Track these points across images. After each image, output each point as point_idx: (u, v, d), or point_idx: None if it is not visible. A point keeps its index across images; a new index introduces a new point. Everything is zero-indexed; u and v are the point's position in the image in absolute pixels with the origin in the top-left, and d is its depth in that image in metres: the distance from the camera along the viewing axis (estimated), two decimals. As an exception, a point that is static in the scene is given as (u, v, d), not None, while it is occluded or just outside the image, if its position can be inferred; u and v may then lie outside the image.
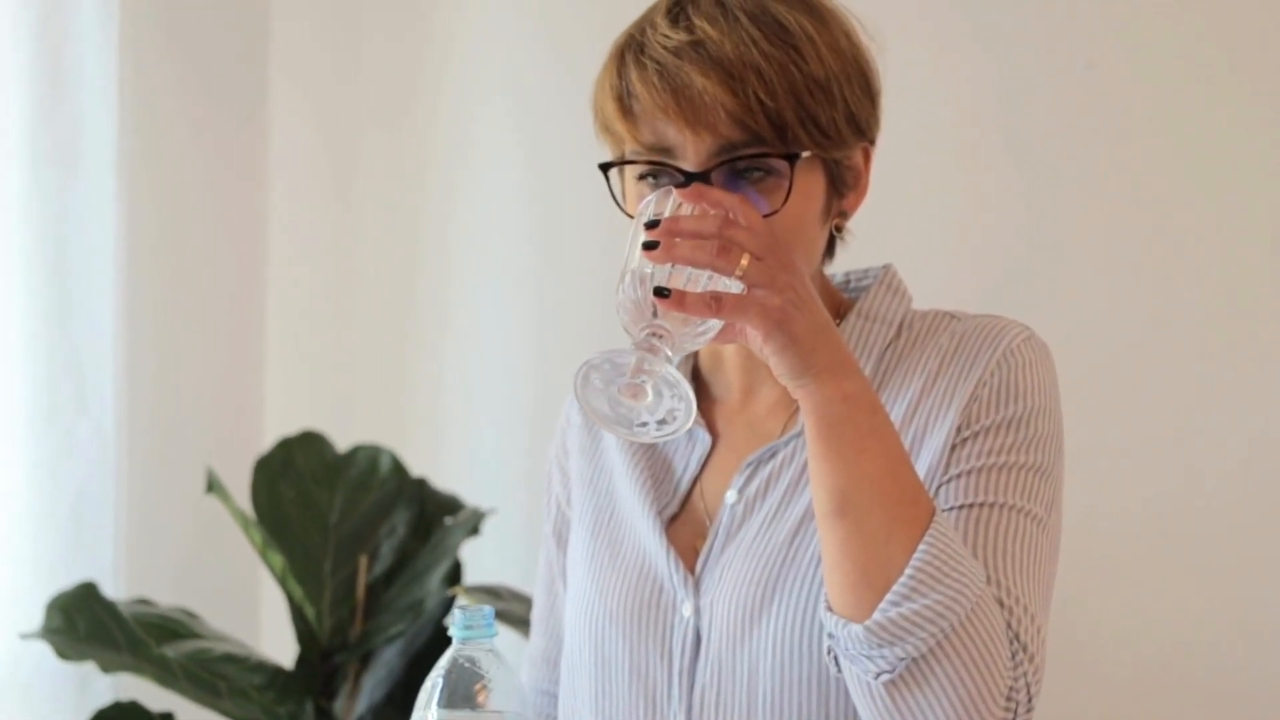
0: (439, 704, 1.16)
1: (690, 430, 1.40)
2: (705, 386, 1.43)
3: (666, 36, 1.25)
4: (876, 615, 1.14)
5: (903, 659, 1.14)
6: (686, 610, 1.33)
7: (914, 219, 2.09)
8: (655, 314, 1.12)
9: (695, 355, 1.44)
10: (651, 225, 1.13)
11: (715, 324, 1.15)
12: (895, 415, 1.29)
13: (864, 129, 1.30)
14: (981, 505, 1.23)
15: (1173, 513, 1.97)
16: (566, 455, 1.53)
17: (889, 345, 1.35)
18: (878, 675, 1.15)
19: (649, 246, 1.11)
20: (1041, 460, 1.26)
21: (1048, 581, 1.24)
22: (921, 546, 1.14)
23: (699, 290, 1.11)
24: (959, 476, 1.25)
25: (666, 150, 1.25)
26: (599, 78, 1.31)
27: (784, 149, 1.23)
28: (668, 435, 1.14)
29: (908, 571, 1.14)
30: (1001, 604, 1.19)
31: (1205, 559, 1.95)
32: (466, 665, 1.19)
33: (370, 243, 2.75)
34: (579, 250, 2.41)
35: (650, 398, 1.12)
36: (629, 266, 1.14)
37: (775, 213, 1.23)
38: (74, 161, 2.32)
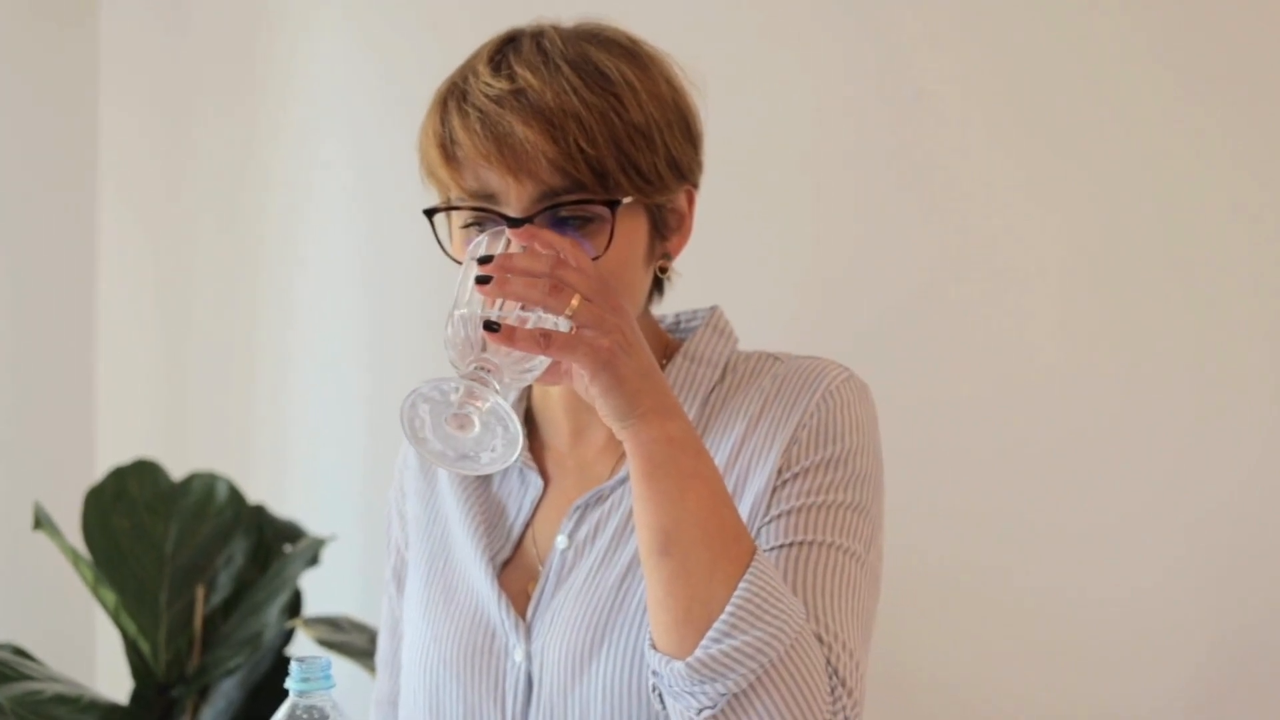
0: (277, 757, 1.14)
1: (522, 474, 1.42)
2: (536, 430, 1.44)
3: (488, 85, 1.26)
4: (698, 652, 1.16)
5: (723, 694, 1.16)
6: (518, 656, 1.33)
7: (747, 256, 2.11)
8: (484, 349, 1.13)
9: (528, 399, 1.45)
10: (485, 261, 1.14)
11: (542, 362, 1.16)
12: (720, 458, 1.32)
13: (685, 173, 1.32)
14: (801, 544, 1.26)
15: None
16: (404, 498, 1.53)
17: (714, 387, 1.37)
18: (699, 711, 1.17)
19: (482, 281, 1.12)
20: (859, 498, 1.29)
21: (866, 617, 1.27)
22: (742, 584, 1.16)
23: (528, 328, 1.12)
24: (779, 516, 1.27)
25: (490, 196, 1.26)
26: (423, 124, 1.32)
27: (605, 195, 1.25)
28: (494, 467, 1.15)
29: (728, 609, 1.16)
30: (821, 640, 1.21)
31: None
32: (304, 717, 1.17)
33: (206, 263, 2.71)
34: (414, 280, 2.40)
35: (478, 429, 1.12)
36: (458, 306, 1.15)
37: (598, 258, 1.25)
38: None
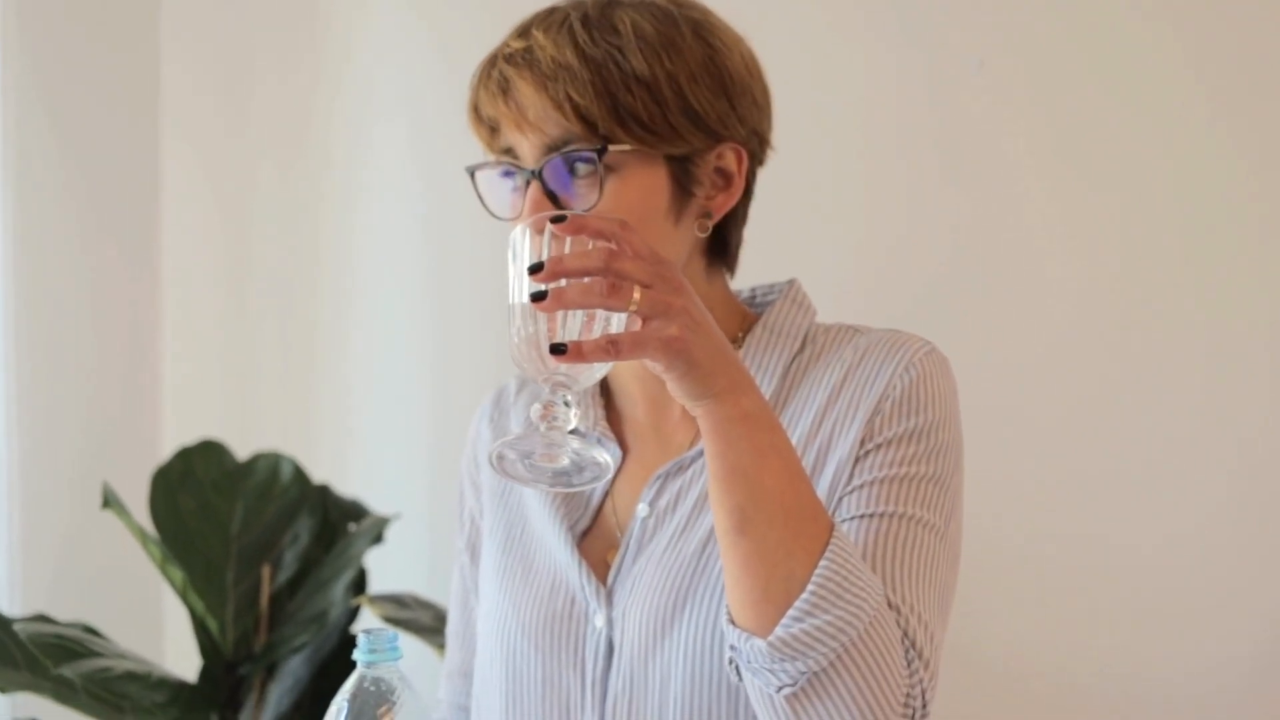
0: (345, 729, 1.15)
1: (601, 444, 1.41)
2: (613, 400, 1.45)
3: (508, 46, 1.32)
4: (779, 631, 1.15)
5: (804, 673, 1.15)
6: (599, 621, 1.34)
7: (823, 231, 2.11)
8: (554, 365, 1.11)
9: None
10: (535, 269, 1.10)
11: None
12: (800, 428, 1.32)
13: (715, 128, 1.32)
14: (881, 515, 1.25)
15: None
16: (478, 469, 1.54)
17: (794, 359, 1.37)
18: (780, 689, 1.17)
19: (537, 298, 1.09)
20: (941, 471, 1.28)
21: (944, 589, 1.26)
22: (822, 563, 1.15)
23: (593, 335, 1.11)
24: (861, 487, 1.27)
25: (510, 151, 1.32)
26: None
27: (596, 143, 1.27)
28: (590, 485, 1.15)
29: (809, 588, 1.15)
30: (898, 612, 1.21)
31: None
32: (371, 689, 1.17)
33: (269, 246, 2.73)
34: (474, 258, 2.40)
35: (567, 461, 1.14)
36: (513, 320, 1.12)
37: (593, 207, 1.27)
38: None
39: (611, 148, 1.27)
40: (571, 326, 1.11)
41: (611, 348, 1.08)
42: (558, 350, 1.09)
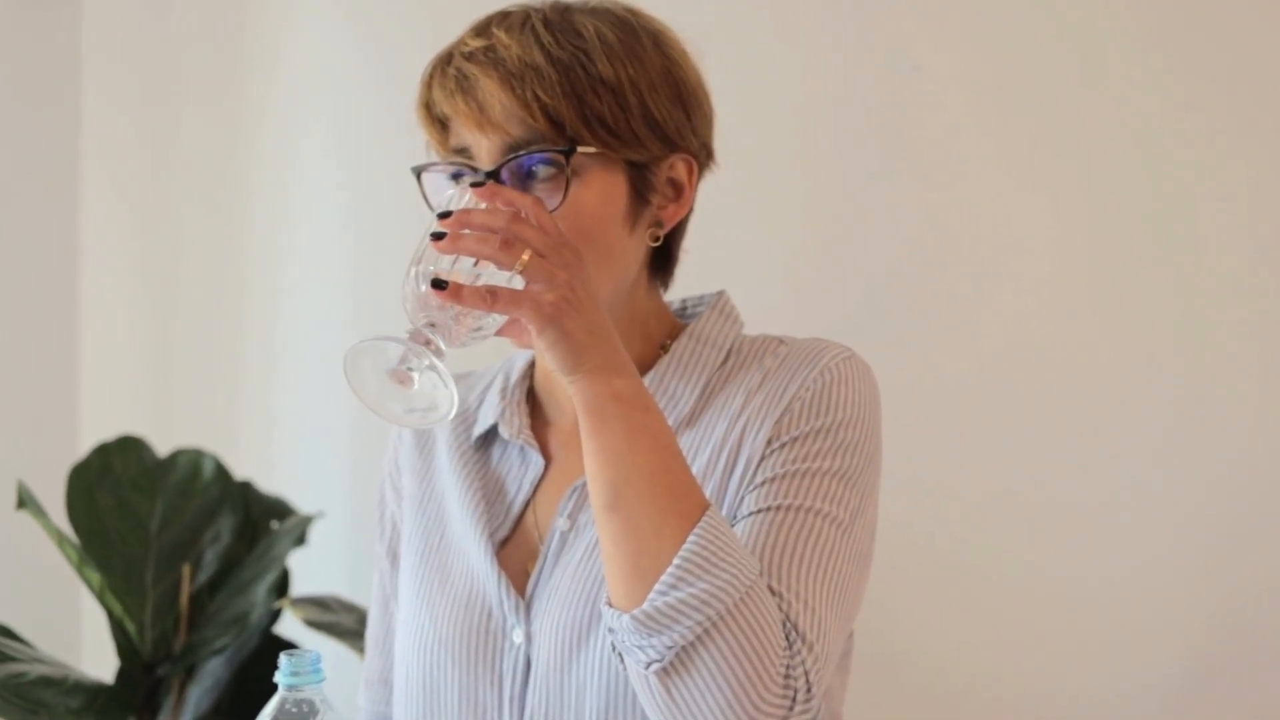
0: (266, 753, 1.13)
1: (523, 452, 1.42)
2: (540, 408, 1.45)
3: (465, 45, 1.30)
4: (645, 604, 1.16)
5: (670, 647, 1.16)
6: (518, 637, 1.33)
7: (735, 238, 2.09)
8: (435, 306, 1.15)
9: (530, 378, 1.46)
10: (443, 216, 1.17)
11: (493, 321, 1.19)
12: (718, 431, 1.32)
13: (673, 137, 1.32)
14: (778, 508, 1.25)
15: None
16: (399, 473, 1.52)
17: (718, 368, 1.37)
18: (649, 665, 1.17)
19: (437, 237, 1.15)
20: (847, 466, 1.28)
21: (841, 582, 1.25)
22: (691, 537, 1.17)
23: (476, 285, 1.14)
24: (762, 484, 1.27)
25: (464, 151, 1.30)
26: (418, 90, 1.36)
27: (563, 145, 1.26)
28: (430, 423, 1.18)
29: (675, 561, 1.16)
30: (781, 597, 1.21)
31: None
32: (293, 710, 1.16)
33: (191, 238, 2.69)
34: (400, 253, 2.37)
35: (417, 386, 1.15)
36: (414, 262, 1.17)
37: (557, 208, 1.26)
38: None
39: (579, 149, 1.26)
40: (459, 278, 1.15)
41: (489, 297, 1.13)
42: (439, 285, 1.13)
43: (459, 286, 1.13)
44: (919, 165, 2.03)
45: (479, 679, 1.34)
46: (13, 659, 1.98)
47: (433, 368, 1.14)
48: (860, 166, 2.06)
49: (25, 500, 2.12)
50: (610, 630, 1.20)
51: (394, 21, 2.46)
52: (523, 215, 1.17)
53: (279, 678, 1.16)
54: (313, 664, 1.16)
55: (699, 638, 1.15)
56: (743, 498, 1.28)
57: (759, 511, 1.25)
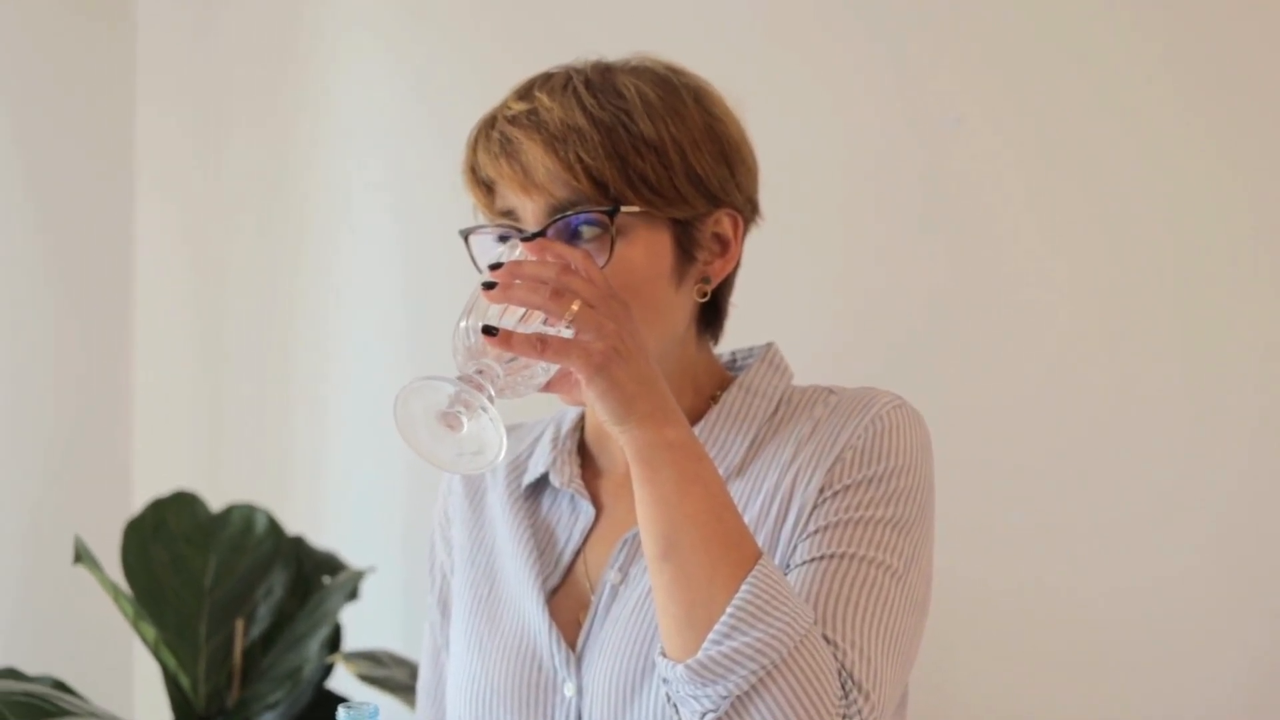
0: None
1: (574, 501, 1.43)
2: (591, 459, 1.45)
3: (509, 109, 1.32)
4: (699, 654, 1.16)
5: (725, 697, 1.16)
6: (569, 690, 1.33)
7: (801, 294, 2.11)
8: (485, 354, 1.16)
9: (582, 429, 1.47)
10: (495, 268, 1.19)
11: (545, 369, 1.20)
12: (768, 481, 1.32)
13: (716, 194, 1.33)
14: (832, 557, 1.25)
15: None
16: (449, 523, 1.53)
17: (768, 419, 1.37)
18: (703, 715, 1.17)
19: (488, 286, 1.17)
20: (900, 514, 1.28)
21: (897, 631, 1.25)
22: (744, 586, 1.16)
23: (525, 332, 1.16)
24: (816, 532, 1.27)
25: (510, 213, 1.32)
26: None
27: (606, 205, 1.27)
28: (480, 467, 1.18)
29: (728, 610, 1.16)
30: (837, 646, 1.20)
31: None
32: (350, 762, 1.16)
33: (243, 294, 2.71)
34: (454, 306, 2.39)
35: (466, 429, 1.15)
36: (464, 315, 1.19)
37: (604, 267, 1.27)
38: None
39: (623, 209, 1.27)
40: (509, 325, 1.16)
41: (539, 344, 1.14)
42: (490, 331, 1.14)
43: (509, 333, 1.14)
44: (963, 216, 2.04)
45: None
46: (69, 713, 1.99)
47: (483, 409, 1.14)
48: (906, 217, 2.07)
49: (82, 555, 2.14)
50: (664, 680, 1.20)
51: (440, 66, 2.48)
52: (572, 267, 1.19)
53: (336, 731, 1.16)
54: (370, 716, 1.17)
55: (754, 687, 1.15)
56: (795, 546, 1.28)
57: (812, 560, 1.25)
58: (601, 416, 1.19)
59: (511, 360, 1.16)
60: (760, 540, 1.30)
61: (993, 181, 2.02)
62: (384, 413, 2.55)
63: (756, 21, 2.17)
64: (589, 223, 1.28)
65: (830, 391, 1.37)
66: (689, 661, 1.16)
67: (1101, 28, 1.96)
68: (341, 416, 2.62)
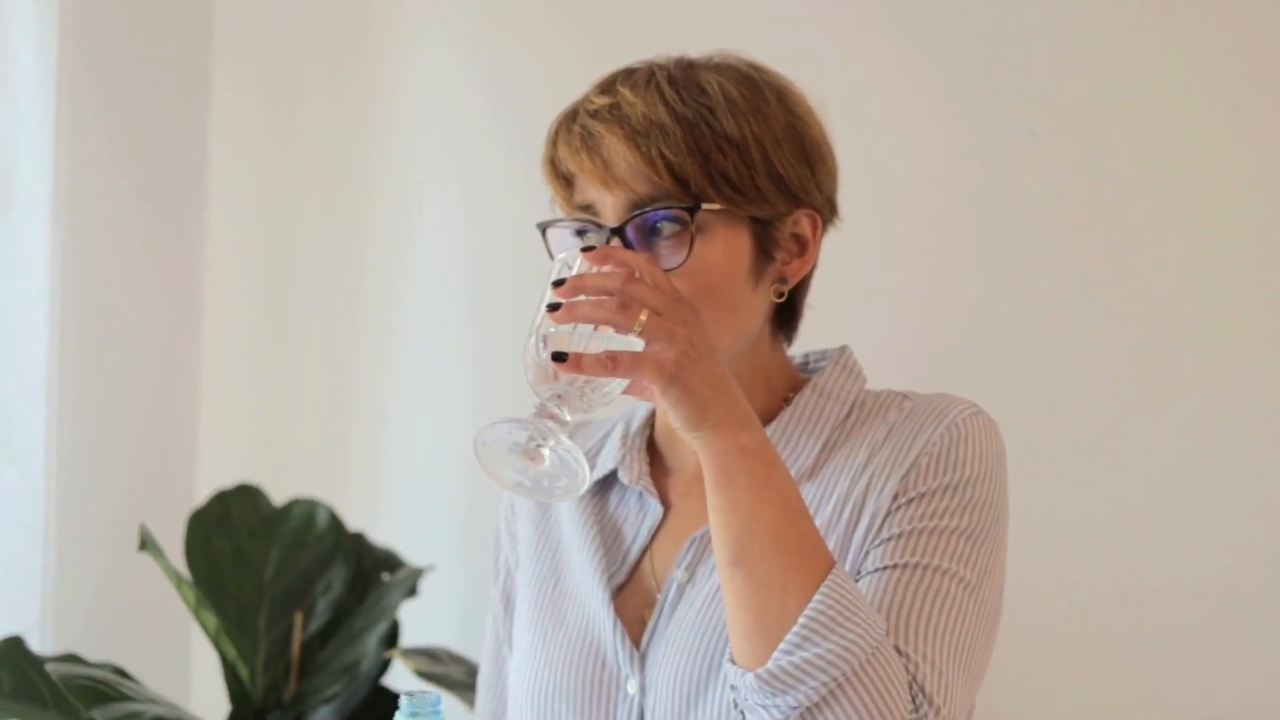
0: (385, 790, 1.14)
1: (642, 499, 1.43)
2: (660, 457, 1.45)
3: (591, 103, 1.32)
4: (769, 664, 1.15)
5: (795, 707, 1.15)
6: (631, 688, 1.33)
7: (874, 299, 2.12)
8: (558, 376, 1.15)
9: (652, 426, 1.47)
10: (558, 284, 1.17)
11: (617, 385, 1.19)
12: (841, 485, 1.32)
13: (797, 193, 1.33)
14: (905, 566, 1.24)
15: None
16: (515, 518, 1.54)
17: (841, 422, 1.37)
18: None
19: (553, 307, 1.15)
20: (974, 524, 1.27)
21: (969, 643, 1.24)
22: (818, 595, 1.16)
23: (598, 350, 1.14)
24: (889, 540, 1.26)
25: (589, 208, 1.31)
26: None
27: (690, 202, 1.27)
28: (566, 496, 1.18)
29: (800, 620, 1.15)
30: (908, 658, 1.20)
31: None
32: (412, 750, 1.17)
33: (308, 292, 2.72)
34: (519, 308, 2.38)
35: (548, 463, 1.16)
36: (532, 332, 1.18)
37: (682, 264, 1.27)
38: (5, 211, 2.28)
39: (704, 206, 1.27)
40: (577, 344, 1.15)
41: (610, 362, 1.13)
42: (559, 358, 1.13)
43: (579, 357, 1.13)
44: (1043, 226, 2.03)
45: None
46: (128, 698, 2.01)
47: (562, 445, 1.15)
48: (986, 229, 2.07)
49: (147, 543, 2.16)
50: (732, 688, 1.19)
51: (510, 64, 2.49)
52: (636, 275, 1.17)
53: (399, 717, 1.17)
54: (433, 705, 1.17)
55: (824, 699, 1.15)
56: (868, 553, 1.27)
57: (885, 568, 1.25)
58: (675, 424, 1.18)
59: (585, 379, 1.16)
60: (831, 545, 1.29)
61: (1064, 194, 2.01)
62: (449, 412, 2.57)
63: (834, 25, 2.17)
64: (668, 219, 1.27)
65: (905, 397, 1.37)
66: (759, 671, 1.16)
67: (1176, 48, 1.96)
68: (404, 415, 2.63)
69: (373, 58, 2.63)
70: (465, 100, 2.55)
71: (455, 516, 2.54)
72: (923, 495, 1.27)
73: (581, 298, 1.15)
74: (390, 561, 2.36)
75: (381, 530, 2.47)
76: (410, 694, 1.17)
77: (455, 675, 2.07)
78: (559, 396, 1.15)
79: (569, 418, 1.15)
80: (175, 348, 2.67)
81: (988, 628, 1.28)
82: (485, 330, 2.52)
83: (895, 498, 1.28)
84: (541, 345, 1.16)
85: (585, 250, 1.20)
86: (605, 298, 1.15)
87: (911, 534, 1.26)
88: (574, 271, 1.19)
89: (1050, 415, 2.01)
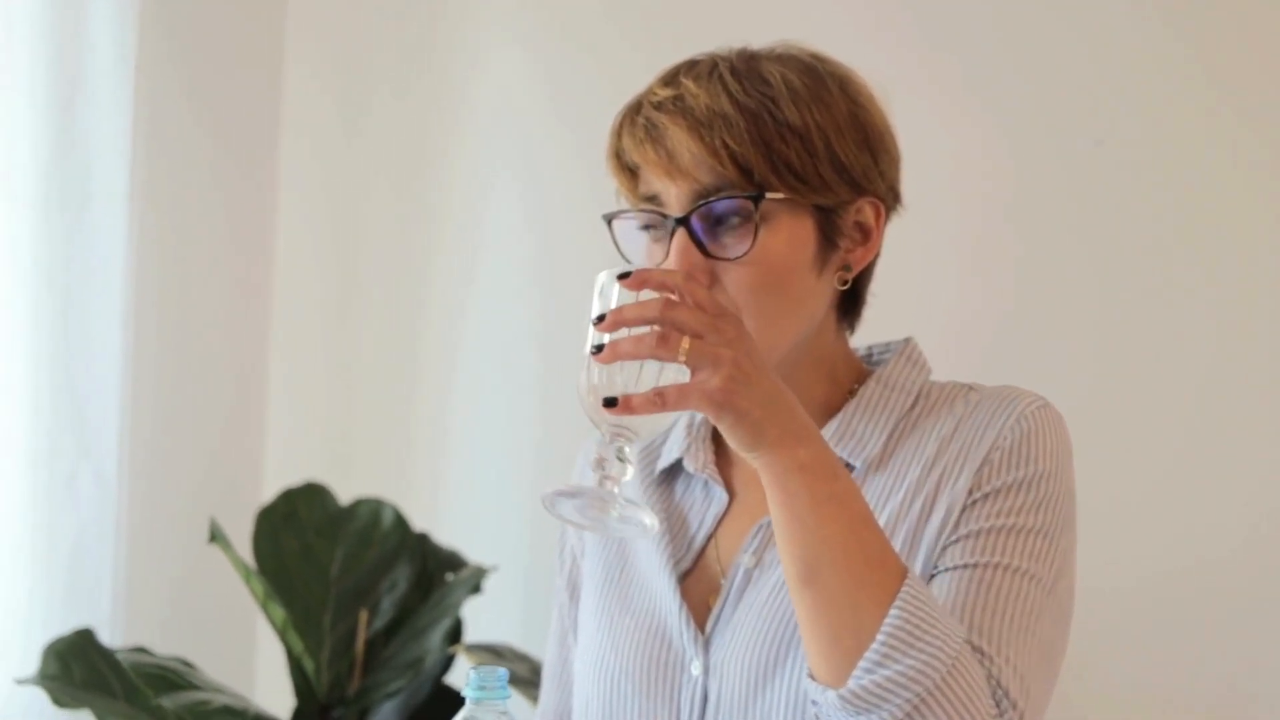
0: (452, 764, 1.16)
1: (707, 486, 1.44)
2: (725, 445, 1.45)
3: (655, 94, 1.33)
4: (851, 683, 1.15)
5: None
6: (695, 669, 1.34)
7: (938, 293, 2.12)
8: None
9: None
10: (598, 321, 1.16)
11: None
12: (910, 477, 1.32)
13: (860, 182, 1.34)
14: (982, 565, 1.25)
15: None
16: None
17: (906, 413, 1.37)
18: None
19: (597, 349, 1.15)
20: (1047, 522, 1.28)
21: (1045, 643, 1.24)
22: (894, 610, 1.15)
23: (648, 383, 1.14)
24: (965, 538, 1.27)
25: (654, 199, 1.32)
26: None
27: (754, 191, 1.27)
28: (643, 536, 1.21)
29: (879, 637, 1.15)
30: (991, 660, 1.20)
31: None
32: (479, 723, 1.18)
33: (375, 292, 2.76)
34: (582, 308, 2.40)
35: (616, 511, 1.17)
36: (585, 356, 1.18)
37: (747, 253, 1.28)
38: (82, 207, 2.32)
39: (768, 195, 1.28)
40: (625, 378, 1.16)
41: (659, 399, 1.12)
42: (610, 404, 1.13)
43: (629, 399, 1.12)
44: (1102, 236, 2.03)
45: (658, 709, 1.35)
46: (196, 687, 2.03)
47: (625, 508, 1.17)
48: (1044, 237, 2.07)
49: (217, 535, 2.19)
50: (814, 703, 1.19)
51: (576, 71, 2.51)
52: (673, 297, 1.16)
53: (467, 691, 1.19)
54: (500, 680, 1.19)
55: (908, 715, 1.14)
56: (944, 548, 1.27)
57: (962, 567, 1.25)
58: (733, 445, 1.18)
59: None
60: (901, 537, 1.29)
61: (1131, 204, 2.01)
62: (512, 415, 2.58)
63: (914, 23, 2.18)
64: (733, 209, 1.29)
65: (970, 389, 1.37)
66: (841, 691, 1.16)
67: (1244, 62, 1.95)
68: (468, 416, 2.65)
69: (441, 57, 2.67)
70: (530, 100, 2.57)
71: (518, 517, 2.56)
72: (997, 491, 1.27)
73: (623, 332, 1.15)
74: (454, 562, 2.38)
75: (444, 530, 2.49)
76: (478, 668, 1.19)
77: (519, 672, 2.09)
78: (617, 434, 1.17)
79: (629, 456, 1.17)
80: (245, 349, 2.71)
81: (1062, 626, 1.29)
82: (550, 329, 2.54)
83: (970, 492, 1.28)
84: (590, 376, 1.17)
85: (621, 277, 1.18)
86: (645, 329, 1.13)
87: (988, 532, 1.26)
88: (612, 302, 1.18)
89: (1101, 417, 2.01)
